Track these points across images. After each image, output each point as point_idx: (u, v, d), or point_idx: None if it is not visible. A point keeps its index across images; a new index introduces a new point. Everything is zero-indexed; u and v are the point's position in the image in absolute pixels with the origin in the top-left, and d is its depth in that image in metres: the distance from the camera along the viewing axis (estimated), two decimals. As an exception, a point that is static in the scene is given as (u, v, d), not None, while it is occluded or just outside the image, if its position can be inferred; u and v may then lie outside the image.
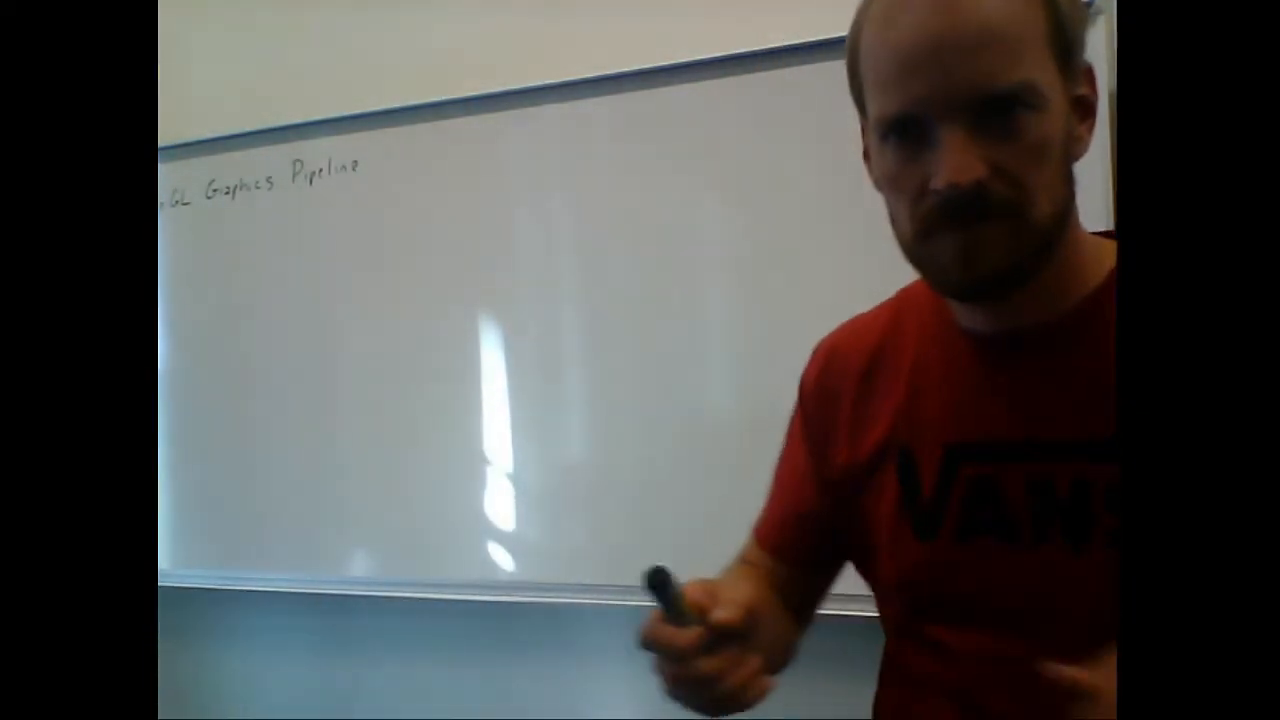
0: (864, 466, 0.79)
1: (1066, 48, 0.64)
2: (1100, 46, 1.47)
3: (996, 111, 0.61)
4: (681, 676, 0.64)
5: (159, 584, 1.92)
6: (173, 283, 2.06)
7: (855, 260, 1.63)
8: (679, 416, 1.71)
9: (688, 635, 0.62)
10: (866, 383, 0.80)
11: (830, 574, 0.89)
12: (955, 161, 0.61)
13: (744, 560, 0.89)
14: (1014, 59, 0.61)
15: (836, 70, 1.60)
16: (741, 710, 0.65)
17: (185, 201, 2.06)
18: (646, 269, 1.72)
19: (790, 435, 0.91)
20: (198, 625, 2.16)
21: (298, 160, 1.97)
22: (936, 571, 0.74)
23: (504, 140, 1.83)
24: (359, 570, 1.95)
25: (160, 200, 2.06)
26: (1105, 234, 0.73)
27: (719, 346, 1.73)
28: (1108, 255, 0.69)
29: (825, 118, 1.75)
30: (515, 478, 1.84)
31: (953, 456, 0.72)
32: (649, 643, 0.64)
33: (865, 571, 0.86)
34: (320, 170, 1.96)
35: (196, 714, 2.16)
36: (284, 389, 1.98)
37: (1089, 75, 0.67)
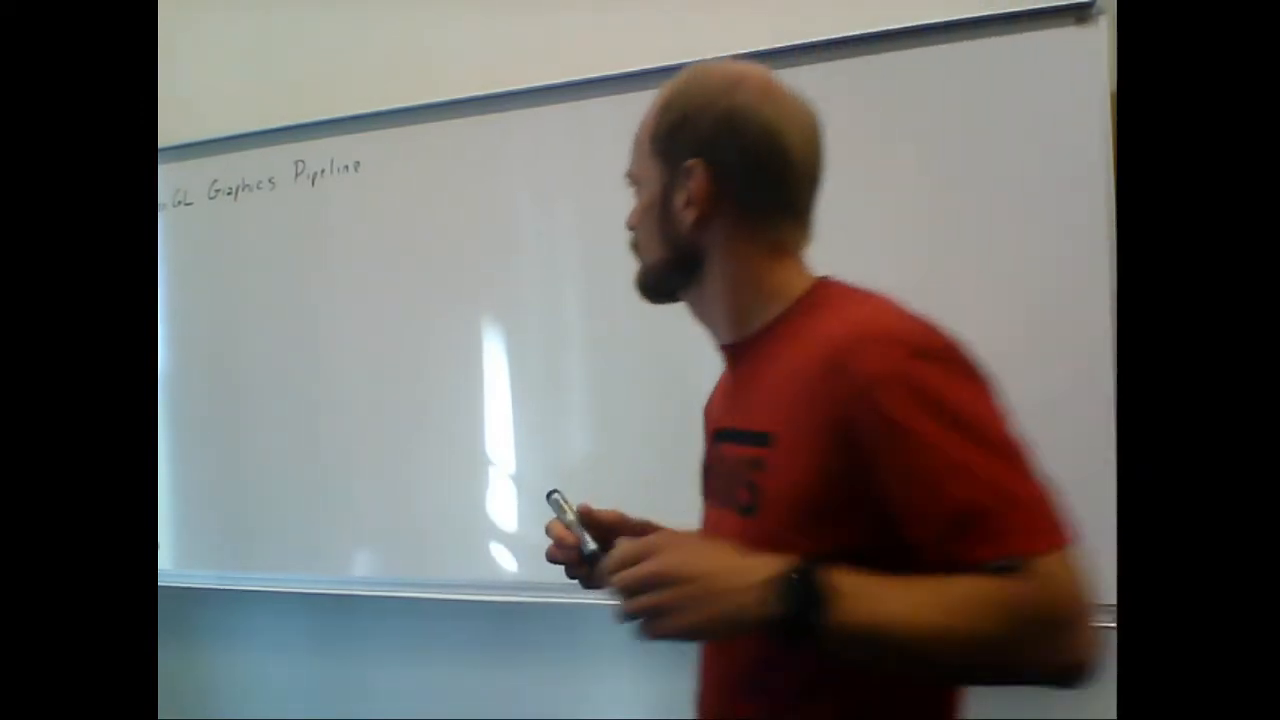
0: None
1: (665, 144, 0.86)
2: (1100, 46, 1.47)
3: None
4: (553, 557, 0.96)
5: (159, 584, 1.92)
6: (175, 283, 2.07)
7: (857, 260, 1.62)
8: (680, 417, 1.70)
9: (558, 526, 0.94)
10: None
11: None
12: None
13: None
14: (632, 155, 0.92)
15: (841, 71, 1.62)
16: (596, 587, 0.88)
17: (188, 202, 2.07)
18: (648, 270, 1.72)
19: None
20: (198, 625, 2.16)
21: (300, 161, 1.97)
22: (705, 528, 0.95)
23: (506, 141, 1.83)
24: (359, 570, 1.95)
25: (163, 201, 2.07)
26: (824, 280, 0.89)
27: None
28: (798, 286, 0.86)
29: (830, 118, 1.74)
30: (517, 478, 1.84)
31: (711, 439, 0.95)
32: (548, 531, 0.95)
33: None
34: (322, 171, 1.96)
35: (196, 714, 2.16)
36: (286, 389, 1.98)
37: (688, 171, 0.84)
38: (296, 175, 1.98)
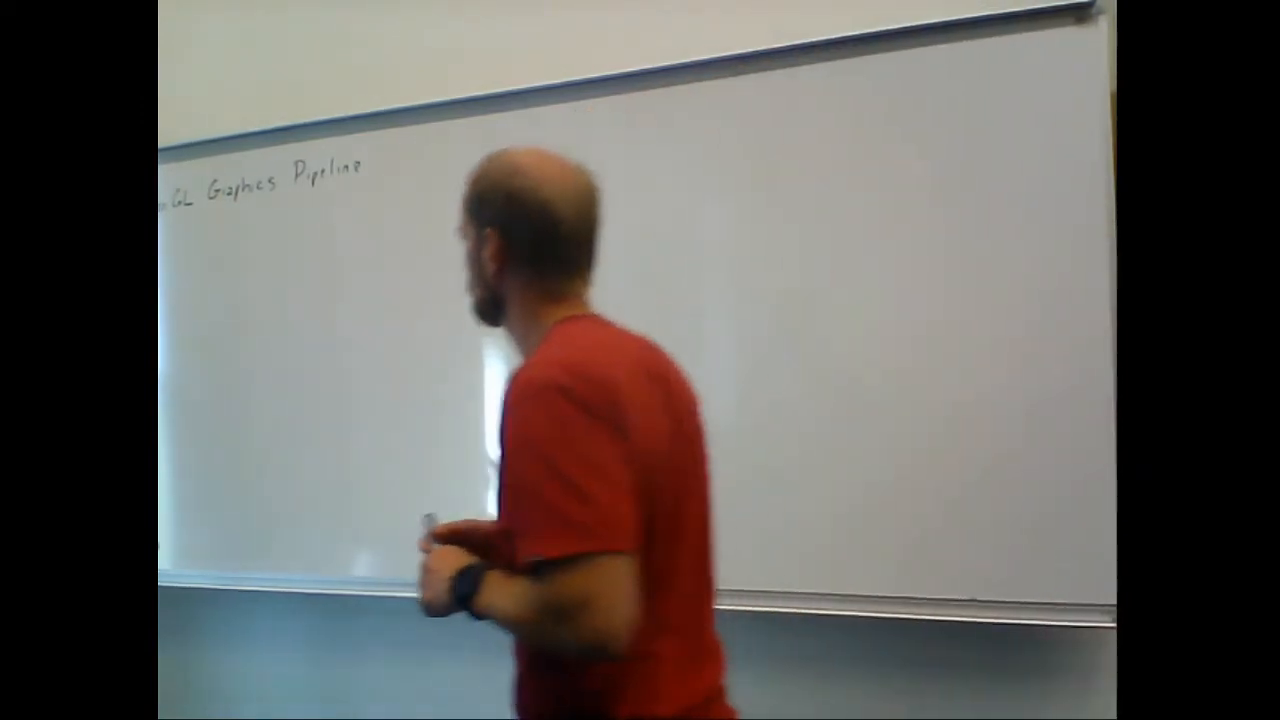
0: None
1: (474, 213, 1.08)
2: (1100, 46, 1.48)
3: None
4: None
5: (159, 584, 1.92)
6: (175, 282, 2.07)
7: (855, 261, 1.63)
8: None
9: (423, 541, 1.14)
10: None
11: None
12: None
13: None
14: (460, 214, 1.10)
15: (841, 71, 1.62)
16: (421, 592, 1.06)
17: (188, 202, 2.07)
18: (647, 269, 1.72)
19: None
20: (198, 625, 2.16)
21: (300, 161, 1.97)
22: None
23: (506, 140, 1.81)
24: (359, 570, 1.95)
25: (163, 200, 2.07)
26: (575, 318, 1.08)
27: (720, 347, 1.73)
28: (551, 320, 1.05)
29: (829, 118, 1.75)
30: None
31: None
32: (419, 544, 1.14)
33: None
34: (322, 171, 1.96)
35: (196, 714, 2.16)
36: (285, 389, 1.98)
37: (487, 237, 1.06)
38: (296, 175, 1.98)
